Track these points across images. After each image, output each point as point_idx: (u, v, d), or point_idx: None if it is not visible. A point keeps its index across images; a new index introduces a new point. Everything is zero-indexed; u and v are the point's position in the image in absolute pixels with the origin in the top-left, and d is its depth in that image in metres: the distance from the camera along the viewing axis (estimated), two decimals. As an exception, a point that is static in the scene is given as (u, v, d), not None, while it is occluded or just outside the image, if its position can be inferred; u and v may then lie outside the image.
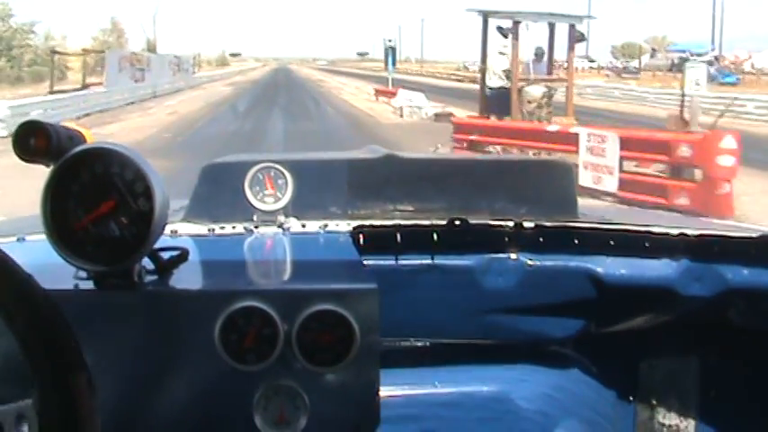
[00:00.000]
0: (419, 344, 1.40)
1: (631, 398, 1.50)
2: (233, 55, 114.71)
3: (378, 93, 25.65)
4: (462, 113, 13.33)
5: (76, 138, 0.93)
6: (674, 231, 1.35)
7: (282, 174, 1.36)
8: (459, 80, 42.20)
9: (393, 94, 22.21)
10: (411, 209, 1.50)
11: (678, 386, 1.49)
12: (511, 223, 1.33)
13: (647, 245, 1.34)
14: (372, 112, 21.31)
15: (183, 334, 0.97)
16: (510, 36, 10.00)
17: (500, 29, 10.23)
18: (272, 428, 0.97)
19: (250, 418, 0.97)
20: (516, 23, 9.98)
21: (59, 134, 0.90)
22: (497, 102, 10.22)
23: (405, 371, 1.35)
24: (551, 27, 10.29)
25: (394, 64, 25.97)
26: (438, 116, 16.93)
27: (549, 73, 10.65)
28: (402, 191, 1.50)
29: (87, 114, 18.75)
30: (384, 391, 1.02)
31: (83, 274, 0.95)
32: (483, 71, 10.53)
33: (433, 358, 1.39)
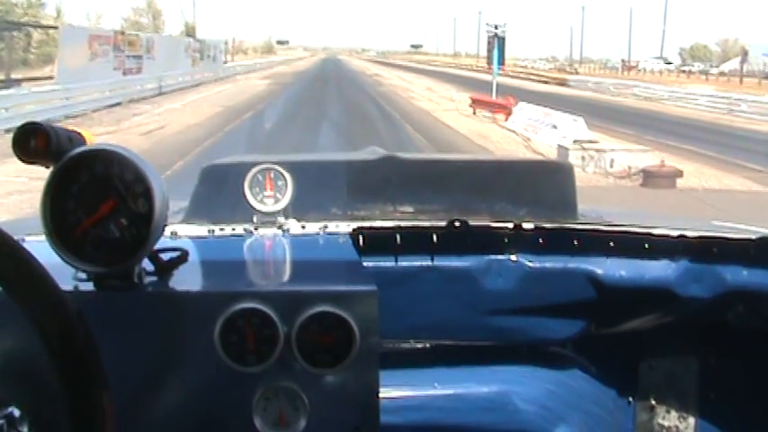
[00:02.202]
0: (419, 345, 1.40)
1: (631, 398, 1.50)
2: (280, 42, 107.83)
3: (476, 104, 17.10)
4: (693, 168, 7.74)
5: (76, 139, 0.93)
6: (674, 233, 1.36)
7: (282, 175, 1.36)
8: (543, 81, 36.80)
9: (504, 110, 14.70)
10: (411, 210, 1.50)
11: (678, 386, 1.49)
12: (511, 225, 1.33)
13: (646, 246, 1.34)
14: (487, 142, 12.65)
15: (183, 335, 0.97)
16: None
17: None
18: (272, 430, 0.97)
19: (250, 420, 0.97)
20: None
21: (59, 135, 0.90)
22: None
23: (404, 372, 1.35)
24: None
25: (501, 62, 18.27)
26: (649, 176, 9.00)
27: None
28: (402, 192, 1.51)
29: (8, 131, 10.57)
30: (384, 393, 1.02)
31: (82, 275, 0.95)
32: None
33: (433, 359, 1.39)
